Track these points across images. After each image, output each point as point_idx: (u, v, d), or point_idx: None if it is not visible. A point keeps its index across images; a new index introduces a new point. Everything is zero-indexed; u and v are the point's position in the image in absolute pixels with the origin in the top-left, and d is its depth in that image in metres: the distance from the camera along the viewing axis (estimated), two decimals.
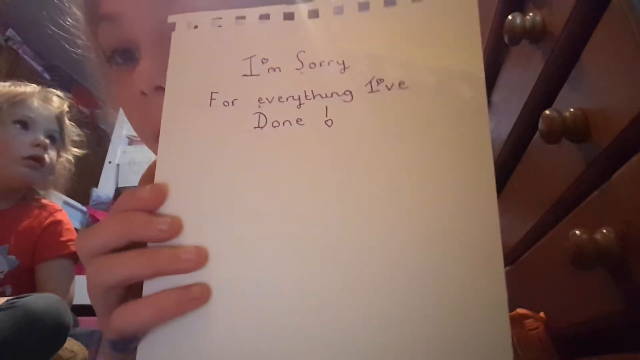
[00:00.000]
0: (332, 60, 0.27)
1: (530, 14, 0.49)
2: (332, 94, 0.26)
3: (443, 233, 0.22)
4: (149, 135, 0.35)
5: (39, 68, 2.62)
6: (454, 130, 0.24)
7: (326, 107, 0.26)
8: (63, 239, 0.91)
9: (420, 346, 0.21)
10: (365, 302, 0.21)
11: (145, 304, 0.22)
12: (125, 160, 2.10)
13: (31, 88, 0.93)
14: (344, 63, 0.27)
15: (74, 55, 0.44)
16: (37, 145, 0.88)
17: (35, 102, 0.91)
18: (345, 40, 0.27)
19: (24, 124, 0.89)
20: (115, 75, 0.38)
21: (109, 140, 2.20)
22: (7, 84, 0.92)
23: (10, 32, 2.46)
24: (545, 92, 0.50)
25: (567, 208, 0.45)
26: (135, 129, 0.39)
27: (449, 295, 0.22)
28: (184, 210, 0.24)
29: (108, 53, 0.37)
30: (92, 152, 1.06)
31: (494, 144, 0.68)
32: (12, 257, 0.86)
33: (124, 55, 0.36)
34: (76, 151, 1.01)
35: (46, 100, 0.94)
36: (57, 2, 0.42)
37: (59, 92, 0.98)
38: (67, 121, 0.98)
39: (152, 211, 0.24)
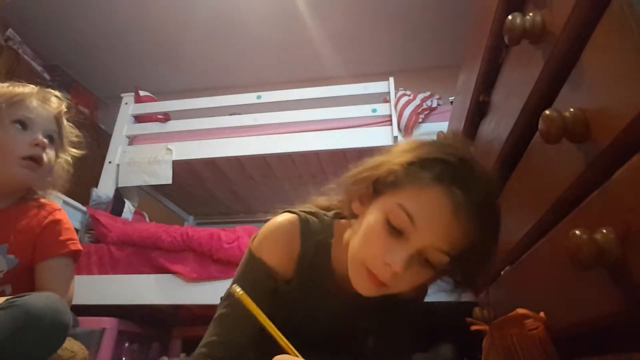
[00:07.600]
0: None
1: (530, 14, 0.49)
2: None
3: None
4: None
5: (39, 68, 2.62)
6: None
7: None
8: (62, 238, 0.90)
9: None
10: None
11: None
12: (125, 160, 2.10)
13: (30, 88, 0.93)
14: None
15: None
16: (36, 144, 0.88)
17: (34, 102, 0.91)
18: None
19: (23, 124, 0.89)
20: None
21: (109, 140, 2.19)
22: (6, 84, 0.92)
23: (10, 32, 2.46)
24: (545, 92, 0.50)
25: (567, 208, 0.44)
26: None
27: None
28: None
29: None
30: (92, 152, 1.06)
31: (494, 144, 0.69)
32: (12, 256, 0.86)
33: None
34: (74, 152, 1.01)
35: (45, 100, 0.93)
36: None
37: (57, 93, 0.98)
38: (65, 122, 0.98)
39: None
